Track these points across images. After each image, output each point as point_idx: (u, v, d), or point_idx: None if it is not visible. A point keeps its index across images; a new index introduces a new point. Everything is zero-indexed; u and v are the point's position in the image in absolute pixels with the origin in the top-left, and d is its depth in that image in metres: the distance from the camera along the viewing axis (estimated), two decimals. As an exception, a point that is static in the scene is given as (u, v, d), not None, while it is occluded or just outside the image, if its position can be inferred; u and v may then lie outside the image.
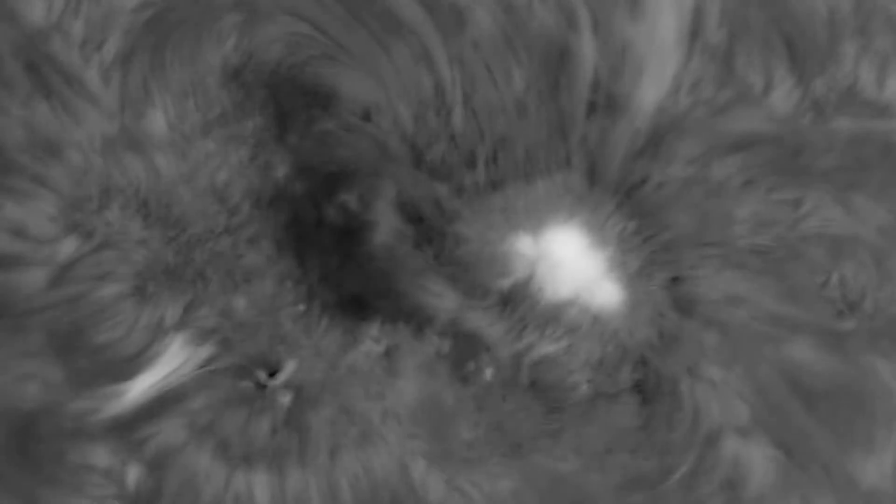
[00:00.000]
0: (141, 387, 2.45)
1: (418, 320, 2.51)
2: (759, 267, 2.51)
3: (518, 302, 2.50)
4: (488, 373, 2.53)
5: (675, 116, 2.48)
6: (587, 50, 2.46)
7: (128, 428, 2.44)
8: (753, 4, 2.48)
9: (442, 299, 2.49)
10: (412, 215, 2.49)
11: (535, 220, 2.50)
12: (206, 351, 2.48)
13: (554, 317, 2.51)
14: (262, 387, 2.50)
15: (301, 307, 2.53)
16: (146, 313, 2.47)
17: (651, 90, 2.46)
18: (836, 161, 2.49)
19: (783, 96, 2.48)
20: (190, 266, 2.50)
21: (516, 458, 2.51)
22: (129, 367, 2.45)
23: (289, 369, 2.50)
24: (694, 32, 2.47)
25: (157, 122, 2.48)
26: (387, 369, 2.53)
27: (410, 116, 2.47)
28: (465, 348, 2.53)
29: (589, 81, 2.47)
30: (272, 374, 2.50)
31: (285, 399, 2.50)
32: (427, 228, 2.49)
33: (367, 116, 2.48)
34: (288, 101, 2.50)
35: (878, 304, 2.51)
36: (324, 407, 2.50)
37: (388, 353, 2.53)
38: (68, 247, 2.45)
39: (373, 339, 2.53)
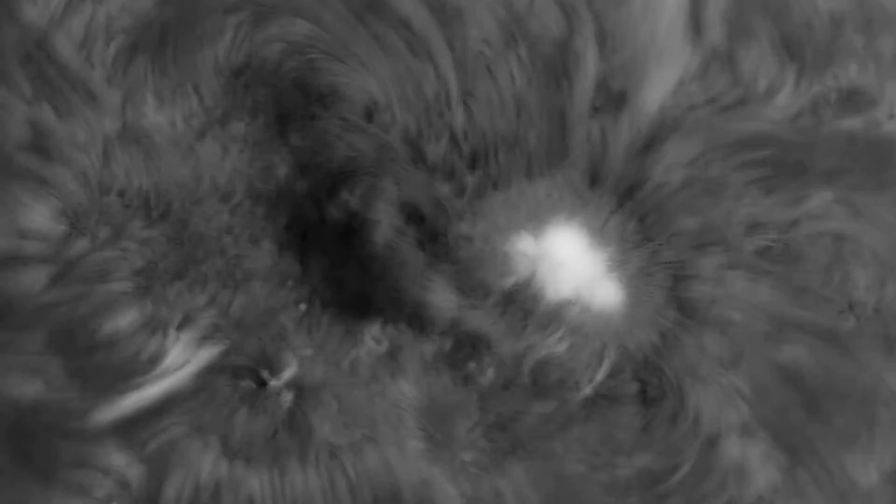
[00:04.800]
0: (142, 386, 2.45)
1: (420, 320, 2.51)
2: (759, 267, 2.51)
3: (519, 302, 2.50)
4: (489, 373, 2.53)
5: (675, 116, 2.48)
6: (588, 50, 2.46)
7: (129, 427, 2.44)
8: (754, 5, 2.48)
9: (443, 299, 2.49)
10: (413, 215, 2.49)
11: (537, 220, 2.50)
12: (208, 350, 2.48)
13: (555, 317, 2.50)
14: (263, 386, 2.50)
15: (302, 307, 2.53)
16: (148, 312, 2.47)
17: (652, 90, 2.47)
18: (836, 161, 2.49)
19: (784, 97, 2.49)
20: (191, 265, 2.50)
21: (517, 458, 2.51)
22: (131, 366, 2.45)
23: (290, 369, 2.50)
24: (695, 33, 2.47)
25: (159, 121, 2.48)
26: (388, 369, 2.52)
27: (412, 116, 2.48)
28: (467, 348, 2.53)
29: (590, 82, 2.47)
30: (273, 374, 2.50)
31: (286, 399, 2.50)
32: (428, 228, 2.49)
33: (368, 116, 2.48)
34: (289, 100, 2.50)
35: (879, 304, 2.51)
36: (325, 407, 2.50)
37: (390, 353, 2.53)
38: (70, 246, 2.45)
39: (374, 339, 2.53)
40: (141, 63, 2.47)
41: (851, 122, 2.50)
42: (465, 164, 2.49)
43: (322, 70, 2.48)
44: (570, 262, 2.50)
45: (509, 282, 2.50)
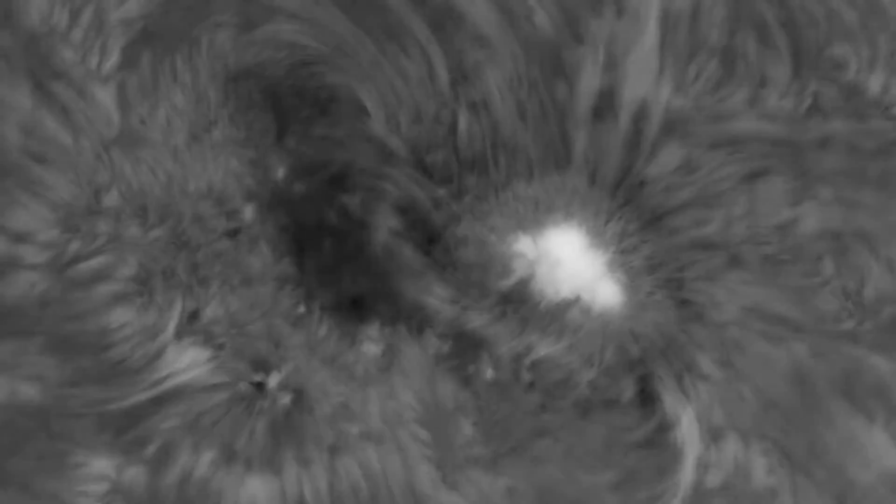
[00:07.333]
0: (141, 387, 2.45)
1: (418, 321, 2.51)
2: (759, 267, 2.50)
3: (518, 302, 2.50)
4: (488, 373, 2.53)
5: (674, 117, 2.48)
6: (587, 52, 2.46)
7: (128, 428, 2.44)
8: (753, 4, 2.48)
9: (442, 300, 2.49)
10: (412, 217, 2.49)
11: (536, 221, 2.50)
12: (205, 352, 2.48)
13: (554, 317, 2.51)
14: (261, 387, 2.50)
15: (300, 309, 2.53)
16: (145, 315, 2.47)
17: (651, 91, 2.46)
18: (836, 161, 2.49)
19: (783, 96, 2.48)
20: (189, 268, 2.50)
21: (516, 458, 2.51)
22: (129, 367, 2.45)
23: (288, 370, 2.51)
24: (693, 32, 2.46)
25: (157, 124, 2.48)
26: (386, 370, 2.53)
27: (410, 119, 2.47)
28: (465, 349, 2.53)
29: (589, 83, 2.47)
30: (271, 376, 2.50)
31: (285, 400, 2.50)
32: (427, 230, 2.49)
33: (366, 119, 2.48)
34: (287, 103, 2.50)
35: (878, 304, 2.51)
36: (323, 408, 2.50)
37: (388, 354, 2.53)
38: (68, 249, 2.45)
39: (372, 340, 2.53)
40: (139, 66, 2.46)
41: (851, 122, 2.49)
42: (464, 166, 2.48)
43: (320, 73, 2.48)
44: (570, 262, 2.50)
45: (508, 282, 2.50)
